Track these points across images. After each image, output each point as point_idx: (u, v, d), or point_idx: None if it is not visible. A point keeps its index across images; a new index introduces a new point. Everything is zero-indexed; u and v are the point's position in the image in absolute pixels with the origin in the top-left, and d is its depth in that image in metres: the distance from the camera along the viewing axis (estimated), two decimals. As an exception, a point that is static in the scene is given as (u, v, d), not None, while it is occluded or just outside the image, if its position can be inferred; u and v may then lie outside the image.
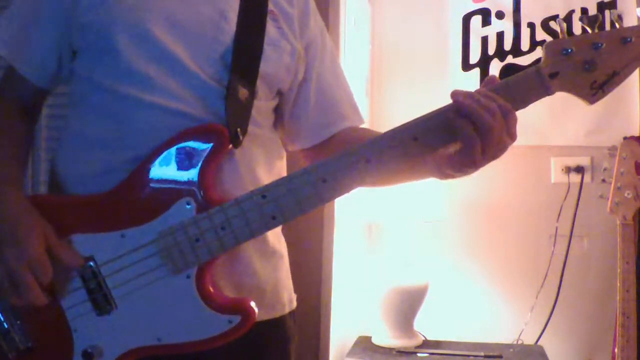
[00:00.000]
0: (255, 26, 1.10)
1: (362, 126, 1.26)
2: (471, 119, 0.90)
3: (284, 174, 1.19)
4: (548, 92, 0.95)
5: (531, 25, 2.51)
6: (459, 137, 0.92)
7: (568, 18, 2.44)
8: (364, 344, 2.24)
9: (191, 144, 1.00)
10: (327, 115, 1.20)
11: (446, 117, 0.93)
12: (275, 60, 1.11)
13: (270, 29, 1.12)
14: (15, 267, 0.95)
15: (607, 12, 0.96)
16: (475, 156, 0.91)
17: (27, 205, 1.02)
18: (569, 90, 0.96)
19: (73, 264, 0.99)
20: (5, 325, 1.01)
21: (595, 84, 0.95)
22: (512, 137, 0.93)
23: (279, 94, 1.17)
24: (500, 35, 2.53)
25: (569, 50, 0.95)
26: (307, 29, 1.19)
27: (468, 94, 0.92)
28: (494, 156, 0.93)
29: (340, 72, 1.26)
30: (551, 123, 2.46)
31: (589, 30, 0.95)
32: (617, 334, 2.11)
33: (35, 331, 1.02)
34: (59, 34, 1.09)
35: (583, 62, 0.94)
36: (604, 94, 0.96)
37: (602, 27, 0.96)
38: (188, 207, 0.98)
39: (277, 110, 1.19)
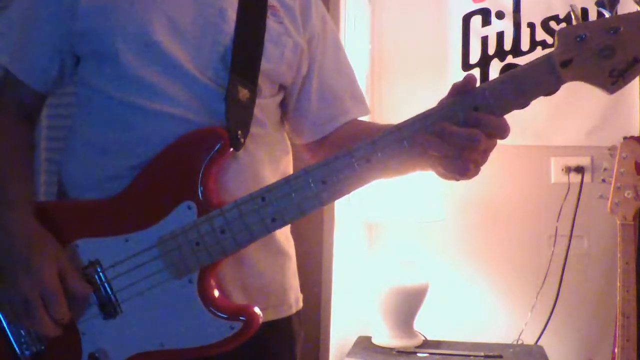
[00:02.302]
0: (255, 23, 1.09)
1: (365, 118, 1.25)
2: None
3: (290, 169, 1.19)
4: (560, 81, 0.90)
5: (531, 25, 2.51)
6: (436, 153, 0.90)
7: (568, 18, 2.44)
8: (364, 344, 2.24)
9: (192, 148, 1.00)
10: (329, 110, 1.19)
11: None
12: (277, 57, 1.10)
13: (271, 25, 1.10)
14: (29, 296, 0.95)
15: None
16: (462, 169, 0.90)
17: (35, 225, 1.01)
18: (584, 79, 0.90)
19: (81, 294, 0.98)
20: (20, 329, 1.02)
21: (614, 71, 0.89)
22: (485, 155, 0.91)
23: (283, 88, 1.16)
24: (500, 35, 2.53)
25: (584, 36, 0.89)
26: (309, 21, 1.17)
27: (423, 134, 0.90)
28: (482, 162, 0.91)
29: (344, 62, 1.24)
30: (551, 123, 2.46)
31: (606, 14, 0.89)
32: (617, 334, 2.11)
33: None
34: (59, 39, 1.08)
35: (600, 49, 0.89)
36: (625, 82, 0.90)
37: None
38: (189, 210, 0.98)
39: (282, 105, 1.18)
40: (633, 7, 0.91)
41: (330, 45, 1.21)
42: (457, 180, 0.93)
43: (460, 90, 0.91)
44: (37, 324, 0.96)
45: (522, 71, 0.91)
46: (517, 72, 0.91)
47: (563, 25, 0.86)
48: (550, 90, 0.91)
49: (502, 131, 0.89)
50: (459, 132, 0.88)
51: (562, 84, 0.91)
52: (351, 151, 0.94)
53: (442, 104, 0.93)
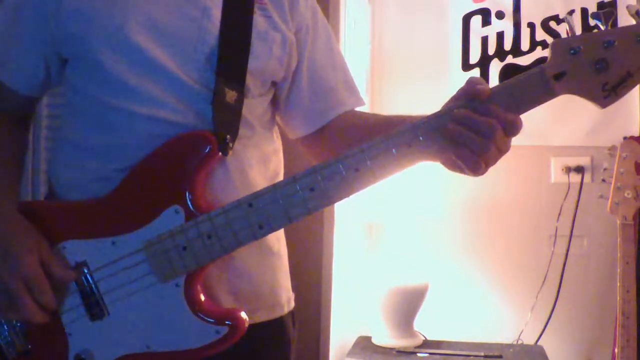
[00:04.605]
0: (241, 21, 1.06)
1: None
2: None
3: (281, 169, 1.18)
4: (552, 94, 0.90)
5: (531, 25, 2.51)
6: (456, 145, 0.90)
7: (568, 18, 2.44)
8: (364, 344, 2.24)
9: (180, 152, 1.00)
10: (322, 102, 1.16)
11: (444, 125, 0.91)
12: (265, 54, 1.07)
13: (258, 20, 1.08)
14: (11, 285, 0.95)
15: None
16: (479, 165, 0.90)
17: (19, 218, 1.02)
18: (577, 93, 0.90)
19: (64, 279, 0.99)
20: (6, 327, 1.02)
21: (607, 85, 0.88)
22: (505, 149, 0.91)
23: (274, 84, 1.14)
24: (500, 35, 2.53)
25: (578, 49, 0.88)
26: (296, 12, 1.14)
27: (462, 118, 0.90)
28: (492, 163, 0.91)
29: (336, 53, 1.21)
30: (551, 123, 2.46)
31: (602, 27, 0.89)
32: (617, 334, 2.11)
33: (33, 334, 1.02)
34: (43, 44, 1.07)
35: (593, 62, 0.88)
36: (617, 96, 0.89)
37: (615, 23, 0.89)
38: (177, 214, 0.98)
39: (274, 100, 1.16)
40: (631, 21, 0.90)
41: (321, 36, 1.18)
42: (464, 174, 0.93)
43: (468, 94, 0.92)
44: (22, 311, 0.96)
45: (514, 83, 0.91)
46: (510, 84, 0.91)
47: (563, 25, 0.85)
48: (545, 101, 0.91)
49: (515, 126, 0.89)
50: (480, 120, 0.88)
51: (554, 97, 0.90)
52: (340, 159, 0.94)
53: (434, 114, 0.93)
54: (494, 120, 0.88)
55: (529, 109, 0.91)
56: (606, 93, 0.89)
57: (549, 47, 0.91)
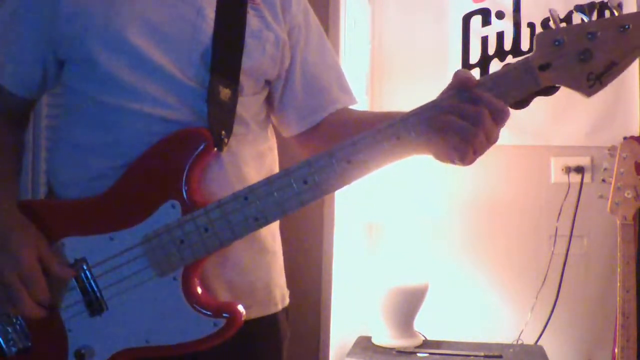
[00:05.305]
0: (234, 20, 1.08)
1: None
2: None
3: (276, 166, 1.19)
4: (538, 85, 0.92)
5: (531, 25, 2.51)
6: (446, 134, 0.91)
7: (568, 18, 2.44)
8: (364, 344, 2.24)
9: (176, 148, 1.01)
10: (315, 100, 1.18)
11: (431, 116, 0.92)
12: (258, 53, 1.09)
13: (252, 20, 1.10)
14: (8, 280, 0.97)
15: (607, 12, 0.93)
16: (467, 152, 0.91)
17: (18, 216, 1.03)
18: (562, 83, 0.93)
19: (63, 277, 1.00)
20: (6, 324, 1.02)
21: (591, 75, 0.91)
22: (494, 139, 0.92)
23: (268, 83, 1.16)
24: (500, 35, 2.53)
25: (562, 40, 0.91)
26: (289, 13, 1.16)
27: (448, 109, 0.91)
28: (481, 152, 0.92)
29: (328, 53, 1.23)
30: (551, 123, 2.46)
31: (586, 19, 0.91)
32: (617, 334, 2.11)
33: (34, 330, 1.03)
34: (41, 46, 1.09)
35: (577, 53, 0.91)
36: (602, 85, 0.92)
37: (601, 15, 0.91)
38: (173, 209, 0.99)
39: (268, 99, 1.18)
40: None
41: (313, 36, 1.20)
42: (454, 164, 0.94)
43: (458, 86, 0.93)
44: (17, 305, 0.97)
45: (501, 74, 0.93)
46: (497, 75, 0.93)
47: (563, 25, 0.87)
48: (532, 91, 0.93)
49: (503, 114, 0.90)
50: (468, 107, 0.90)
51: (540, 87, 0.93)
52: (332, 152, 0.96)
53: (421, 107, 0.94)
54: (482, 107, 0.90)
55: (516, 99, 0.93)
56: (591, 82, 0.91)
57: (534, 39, 0.93)
